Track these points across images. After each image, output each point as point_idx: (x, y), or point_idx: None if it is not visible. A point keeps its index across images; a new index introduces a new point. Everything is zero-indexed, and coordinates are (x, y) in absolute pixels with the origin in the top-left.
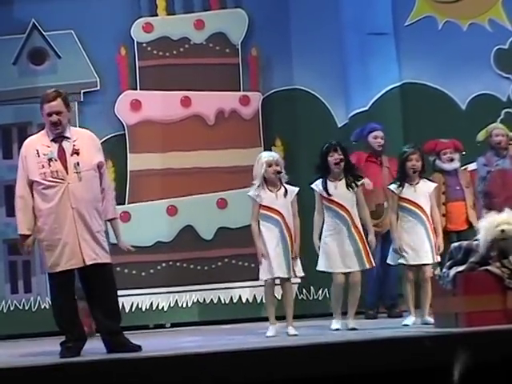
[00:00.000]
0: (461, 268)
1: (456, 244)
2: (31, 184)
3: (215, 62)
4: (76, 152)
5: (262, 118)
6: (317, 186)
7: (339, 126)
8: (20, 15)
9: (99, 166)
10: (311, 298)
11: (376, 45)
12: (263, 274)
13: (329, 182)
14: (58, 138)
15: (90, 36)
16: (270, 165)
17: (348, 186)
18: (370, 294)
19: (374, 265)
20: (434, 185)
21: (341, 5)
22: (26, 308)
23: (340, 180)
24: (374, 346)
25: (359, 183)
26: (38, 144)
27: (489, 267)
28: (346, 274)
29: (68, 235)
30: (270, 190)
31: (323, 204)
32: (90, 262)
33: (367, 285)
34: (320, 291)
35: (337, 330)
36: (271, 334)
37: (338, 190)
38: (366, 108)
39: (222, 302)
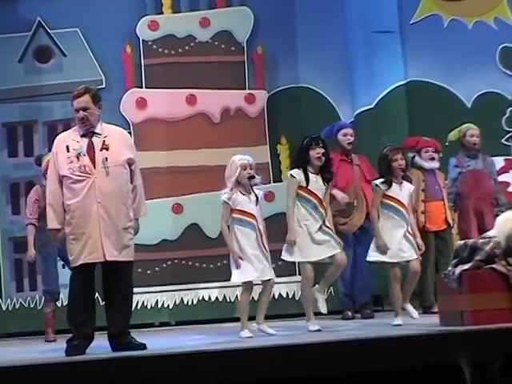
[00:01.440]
0: (466, 266)
1: (461, 242)
2: (61, 179)
3: (221, 60)
4: (105, 147)
5: (268, 116)
6: (298, 174)
7: None
8: (26, 13)
9: (129, 163)
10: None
11: (382, 43)
12: (242, 276)
13: (310, 174)
14: (88, 134)
15: (96, 34)
16: (244, 168)
17: (324, 181)
18: (344, 295)
19: (343, 249)
20: (412, 186)
21: (346, 3)
22: (32, 306)
23: (318, 174)
24: (379, 344)
25: (331, 181)
26: (68, 140)
27: (494, 265)
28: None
29: (92, 229)
30: (243, 194)
31: (298, 194)
32: (111, 259)
33: (341, 285)
34: None
35: (318, 330)
36: (247, 335)
37: (318, 183)
38: (372, 106)
39: (228, 300)
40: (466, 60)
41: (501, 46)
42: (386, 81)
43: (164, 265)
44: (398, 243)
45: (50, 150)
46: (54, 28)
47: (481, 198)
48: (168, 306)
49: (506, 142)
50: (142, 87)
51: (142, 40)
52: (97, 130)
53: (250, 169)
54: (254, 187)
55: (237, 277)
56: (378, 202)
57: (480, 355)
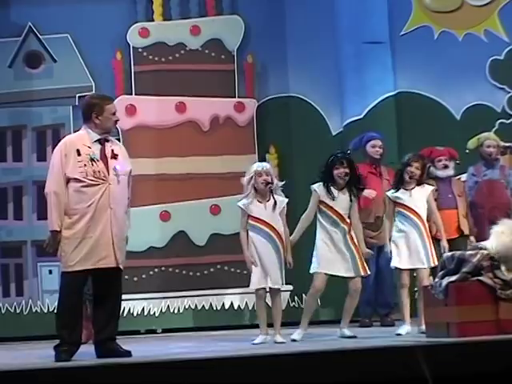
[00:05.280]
0: (453, 278)
1: (449, 254)
2: (67, 181)
3: (211, 69)
4: (114, 156)
5: (257, 125)
6: (319, 188)
7: (334, 134)
8: (16, 18)
9: (129, 175)
10: (303, 306)
11: (371, 54)
12: (255, 284)
13: (332, 189)
14: (101, 140)
15: (86, 40)
16: (259, 175)
17: (351, 196)
18: (364, 303)
19: (368, 273)
20: (430, 188)
21: (337, 13)
22: (18, 311)
23: (342, 190)
24: (366, 354)
25: (361, 193)
26: (78, 143)
27: (481, 277)
28: (344, 280)
29: (102, 234)
30: (260, 201)
31: (319, 208)
32: (121, 265)
33: (362, 294)
34: None
35: (294, 340)
36: (258, 342)
37: (339, 198)
38: (361, 116)
39: (214, 308)
40: (455, 72)
41: (490, 59)
42: (375, 91)
43: (151, 272)
44: (411, 250)
45: (39, 155)
46: (45, 33)
47: (495, 207)
48: (154, 313)
49: None
50: (131, 94)
51: (133, 47)
52: (109, 138)
53: (267, 175)
54: (274, 194)
55: (251, 283)
56: (391, 211)
57: (466, 367)
